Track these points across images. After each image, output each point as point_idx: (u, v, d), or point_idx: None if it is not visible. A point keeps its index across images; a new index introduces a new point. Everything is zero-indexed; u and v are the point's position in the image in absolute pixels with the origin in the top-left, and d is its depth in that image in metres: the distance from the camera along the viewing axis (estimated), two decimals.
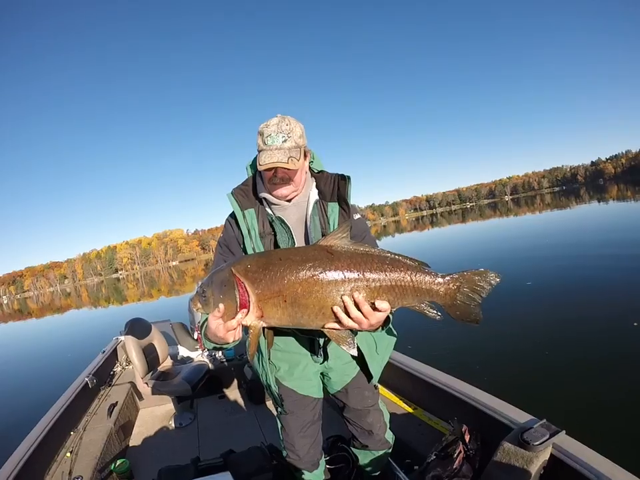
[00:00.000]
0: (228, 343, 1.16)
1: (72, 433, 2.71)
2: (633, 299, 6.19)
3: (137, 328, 3.35)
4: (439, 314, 1.09)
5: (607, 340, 4.80)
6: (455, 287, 1.07)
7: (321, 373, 1.58)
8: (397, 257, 1.07)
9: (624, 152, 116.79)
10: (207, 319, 1.17)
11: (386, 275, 1.03)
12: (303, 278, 1.02)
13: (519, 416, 1.68)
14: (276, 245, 1.41)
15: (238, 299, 1.02)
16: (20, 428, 4.39)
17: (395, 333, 1.58)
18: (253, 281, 1.03)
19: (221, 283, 1.05)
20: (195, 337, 4.39)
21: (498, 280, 1.08)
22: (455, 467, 1.60)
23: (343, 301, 1.03)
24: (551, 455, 1.46)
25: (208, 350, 4.14)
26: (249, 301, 1.03)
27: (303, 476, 1.73)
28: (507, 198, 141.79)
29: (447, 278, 1.07)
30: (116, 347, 4.30)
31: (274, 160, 1.23)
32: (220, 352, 4.05)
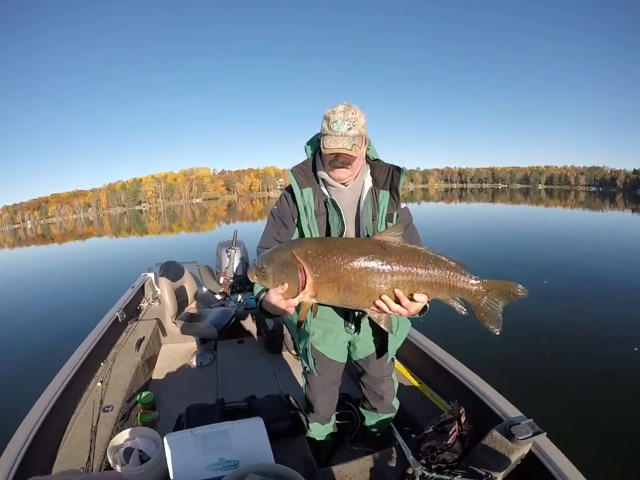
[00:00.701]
0: (281, 315, 1.34)
1: (102, 363, 2.87)
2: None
3: (171, 270, 3.53)
4: (465, 310, 1.25)
5: (608, 359, 4.88)
6: (485, 289, 1.22)
7: (349, 342, 1.78)
8: (439, 256, 1.21)
9: None
10: (263, 291, 1.37)
11: (428, 272, 1.19)
12: (356, 268, 1.17)
13: (510, 410, 1.87)
14: (327, 224, 1.53)
15: (300, 281, 1.18)
16: (50, 356, 4.73)
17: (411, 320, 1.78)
18: (312, 266, 1.18)
19: (283, 264, 1.20)
20: (221, 281, 4.56)
21: (524, 294, 1.23)
22: (448, 442, 1.81)
23: (388, 294, 1.19)
24: (530, 450, 1.67)
25: (230, 296, 4.39)
26: (307, 282, 1.18)
27: (316, 427, 2.03)
28: (540, 186, 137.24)
29: (479, 281, 1.22)
30: (144, 284, 4.54)
31: (339, 146, 1.34)
32: (243, 299, 4.31)
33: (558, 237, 16.81)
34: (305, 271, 1.18)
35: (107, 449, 1.99)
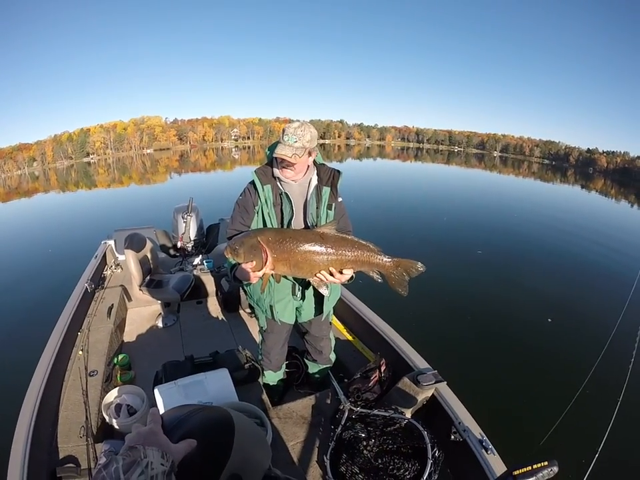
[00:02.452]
0: (249, 282, 1.80)
1: (79, 333, 3.09)
2: (559, 295, 6.83)
3: (135, 241, 3.67)
4: (380, 279, 1.75)
5: (521, 328, 5.49)
6: (395, 266, 1.71)
7: (296, 308, 2.24)
8: (362, 242, 1.69)
9: (622, 152, 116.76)
10: (236, 265, 1.83)
11: (353, 254, 1.67)
12: (302, 251, 1.64)
13: (420, 362, 2.45)
14: (282, 212, 1.95)
15: (262, 259, 1.63)
16: (27, 326, 4.84)
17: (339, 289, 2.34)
18: (271, 249, 1.63)
19: (251, 246, 1.64)
20: (178, 245, 4.71)
21: (422, 270, 1.72)
22: (369, 385, 2.38)
23: (325, 269, 1.68)
24: (433, 394, 2.26)
25: (187, 260, 4.60)
26: (267, 260, 1.64)
27: (270, 374, 2.56)
28: (495, 154, 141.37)
29: (391, 260, 1.70)
30: (105, 252, 4.66)
31: (282, 152, 1.76)
32: (200, 262, 4.59)
33: (505, 205, 17.82)
34: (266, 252, 1.63)
35: (99, 408, 2.35)
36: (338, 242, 1.66)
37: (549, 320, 5.71)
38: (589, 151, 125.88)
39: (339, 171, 2.01)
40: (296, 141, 1.76)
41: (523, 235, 11.52)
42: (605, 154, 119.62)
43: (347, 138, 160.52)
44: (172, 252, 4.85)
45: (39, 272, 8.17)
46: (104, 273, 4.35)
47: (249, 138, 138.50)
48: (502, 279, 7.53)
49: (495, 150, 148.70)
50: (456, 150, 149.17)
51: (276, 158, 1.84)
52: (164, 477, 0.56)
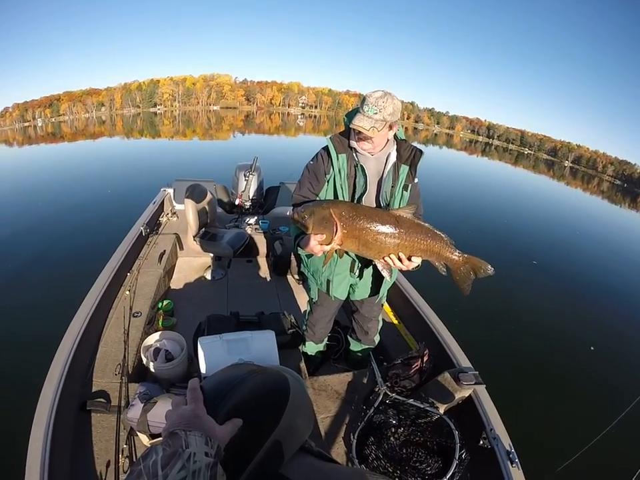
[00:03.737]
0: (313, 254, 1.71)
1: (128, 274, 3.15)
2: (608, 325, 6.35)
3: (196, 192, 3.73)
4: (445, 272, 1.66)
5: (566, 350, 5.24)
6: (463, 262, 1.62)
7: (350, 285, 2.19)
8: (436, 231, 1.60)
9: None
10: (301, 234, 1.76)
11: (426, 242, 1.59)
12: (374, 232, 1.56)
13: (463, 360, 2.35)
14: (354, 185, 1.87)
15: (332, 232, 1.58)
16: (80, 267, 4.92)
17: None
18: (344, 223, 1.56)
19: (322, 218, 1.57)
20: (236, 202, 4.78)
21: (491, 273, 1.63)
22: (410, 373, 2.32)
23: (394, 253, 1.60)
24: (470, 395, 2.17)
25: (243, 218, 4.69)
26: (337, 235, 1.58)
27: (311, 345, 2.57)
28: (566, 163, 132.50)
29: (461, 255, 1.62)
30: (163, 199, 4.77)
31: (360, 124, 1.66)
32: (255, 222, 4.64)
33: (568, 219, 16.70)
34: (337, 226, 1.56)
35: (138, 348, 2.41)
36: (413, 228, 1.58)
37: (592, 348, 5.41)
38: None
39: (421, 150, 1.88)
40: (376, 113, 1.65)
41: (580, 253, 10.81)
42: None
43: (416, 121, 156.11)
44: (229, 208, 4.92)
45: (98, 212, 8.39)
46: (160, 219, 4.45)
47: (316, 107, 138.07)
48: (554, 294, 7.16)
49: (567, 159, 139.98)
50: (526, 152, 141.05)
51: (353, 128, 1.76)
52: (208, 471, 0.50)
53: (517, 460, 1.78)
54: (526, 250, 9.45)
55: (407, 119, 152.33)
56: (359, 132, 1.72)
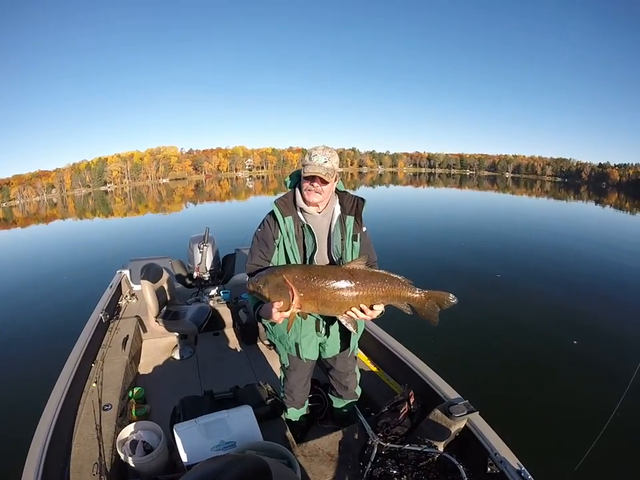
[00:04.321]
0: (275, 321, 1.68)
1: (92, 365, 3.01)
2: (584, 316, 6.62)
3: (151, 271, 3.64)
4: (410, 311, 1.67)
5: (547, 350, 5.34)
6: (425, 298, 1.63)
7: (320, 344, 2.14)
8: (392, 275, 1.62)
9: (634, 164, 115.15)
10: (259, 303, 1.76)
11: (384, 289, 1.60)
12: (331, 289, 1.56)
13: (450, 392, 2.30)
14: (304, 246, 1.87)
15: (289, 298, 1.55)
16: (39, 356, 4.79)
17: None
18: (298, 287, 1.55)
19: (277, 285, 1.57)
20: (194, 276, 4.67)
21: (454, 302, 1.64)
22: (399, 418, 2.24)
23: (355, 306, 1.60)
24: (465, 425, 2.12)
25: (203, 291, 4.58)
26: (294, 299, 1.55)
27: (293, 411, 2.44)
28: (507, 175, 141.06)
29: (421, 293, 1.63)
30: (120, 281, 4.61)
31: (316, 171, 1.70)
32: (217, 293, 4.55)
33: (520, 226, 17.56)
34: (293, 291, 1.54)
35: (113, 444, 2.24)
36: (368, 278, 1.59)
37: (575, 342, 5.56)
38: (600, 165, 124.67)
39: (362, 199, 1.93)
40: (326, 161, 1.72)
41: (541, 255, 11.27)
42: (617, 167, 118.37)
43: (360, 166, 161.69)
44: (188, 282, 4.82)
45: (54, 300, 8.13)
46: (119, 302, 4.31)
47: (262, 168, 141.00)
48: (522, 302, 7.35)
49: (507, 171, 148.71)
50: (468, 173, 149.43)
51: (300, 186, 1.78)
52: None
53: (529, 477, 1.73)
54: (487, 265, 9.77)
55: (351, 165, 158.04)
56: (311, 183, 1.75)
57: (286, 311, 1.58)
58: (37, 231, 26.94)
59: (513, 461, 1.84)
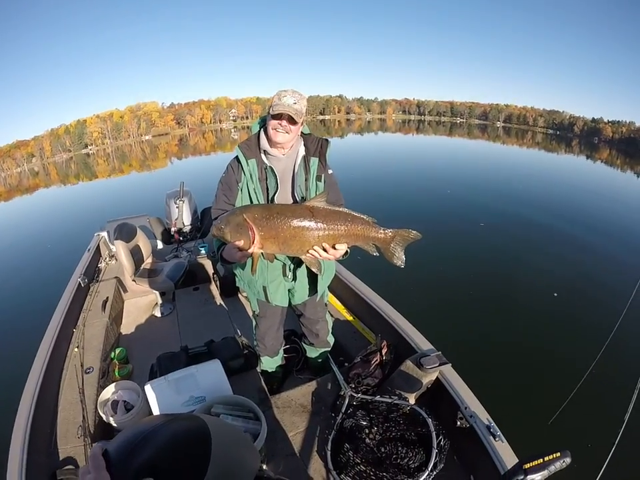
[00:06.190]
0: (238, 262, 1.71)
1: (74, 330, 3.01)
2: (566, 268, 6.62)
3: (124, 231, 3.58)
4: (376, 252, 1.61)
5: (526, 304, 5.32)
6: (391, 237, 1.59)
7: (289, 290, 2.12)
8: (355, 214, 1.55)
9: (627, 121, 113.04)
10: (222, 245, 1.72)
11: (346, 227, 1.53)
12: (291, 227, 1.50)
13: (423, 344, 2.29)
14: (267, 187, 1.84)
15: (250, 237, 1.51)
16: (22, 324, 4.76)
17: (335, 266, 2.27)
18: (259, 226, 1.50)
19: (237, 225, 1.52)
20: (172, 231, 4.65)
21: (418, 238, 1.61)
22: (370, 369, 2.26)
23: (317, 245, 1.54)
24: (437, 377, 2.11)
25: (182, 246, 4.54)
26: (255, 238, 1.51)
27: (267, 360, 2.46)
28: (498, 124, 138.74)
29: (386, 231, 1.58)
30: (98, 244, 4.53)
31: (284, 109, 1.65)
32: (195, 248, 4.48)
33: (509, 176, 17.43)
34: (253, 230, 1.50)
35: (96, 406, 2.27)
36: (329, 215, 1.53)
37: (555, 294, 5.56)
38: (593, 120, 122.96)
39: (327, 140, 1.89)
40: (295, 102, 1.67)
41: (527, 206, 11.25)
42: (610, 123, 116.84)
43: (347, 113, 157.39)
44: (167, 239, 4.79)
45: (37, 268, 8.09)
46: (98, 265, 4.24)
47: (247, 118, 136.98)
48: (504, 252, 7.35)
49: (498, 120, 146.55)
50: (458, 121, 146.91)
51: (266, 128, 1.75)
52: None
53: (499, 433, 1.72)
54: (473, 214, 9.73)
55: (338, 112, 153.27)
56: (279, 123, 1.70)
57: (247, 250, 1.56)
58: (20, 202, 26.24)
59: (483, 415, 1.84)
